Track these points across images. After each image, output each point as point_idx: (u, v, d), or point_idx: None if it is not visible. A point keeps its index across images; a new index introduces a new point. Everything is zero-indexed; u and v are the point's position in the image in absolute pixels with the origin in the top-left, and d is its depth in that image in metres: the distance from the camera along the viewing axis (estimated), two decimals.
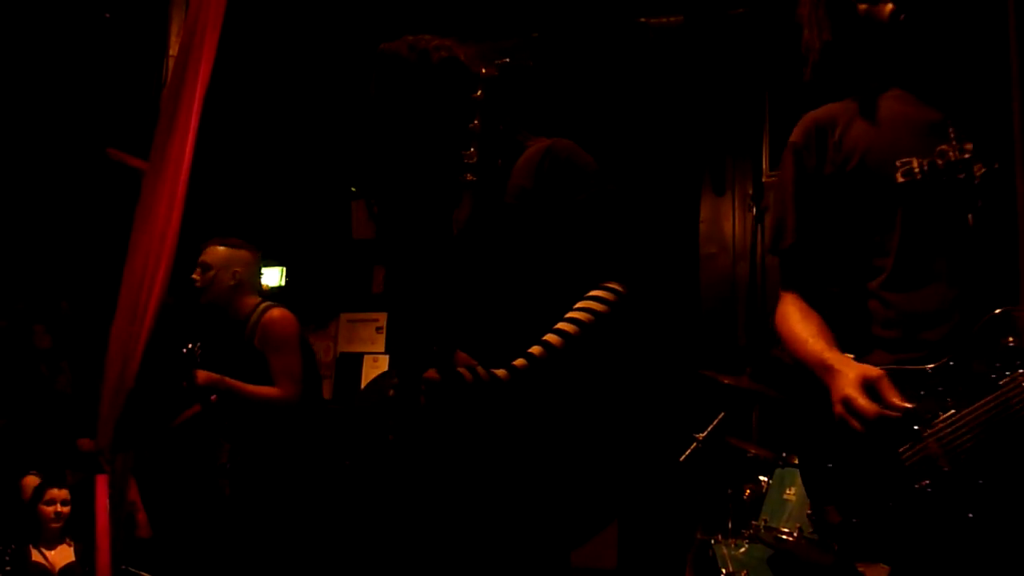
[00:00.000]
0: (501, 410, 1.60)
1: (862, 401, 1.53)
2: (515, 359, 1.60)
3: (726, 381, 4.12)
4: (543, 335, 1.62)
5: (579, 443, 1.66)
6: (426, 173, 1.75)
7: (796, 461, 3.51)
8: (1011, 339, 1.46)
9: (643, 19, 5.35)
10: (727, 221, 5.47)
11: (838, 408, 1.56)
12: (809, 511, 3.35)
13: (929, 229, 1.61)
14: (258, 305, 3.60)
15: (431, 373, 1.56)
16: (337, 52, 5.50)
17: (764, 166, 5.36)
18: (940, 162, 1.61)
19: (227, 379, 3.41)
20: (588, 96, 5.32)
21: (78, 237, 5.56)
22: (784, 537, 3.32)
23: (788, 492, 3.43)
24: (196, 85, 3.63)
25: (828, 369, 1.61)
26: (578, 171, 1.75)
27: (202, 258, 3.61)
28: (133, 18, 5.10)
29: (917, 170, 1.62)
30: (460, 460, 1.67)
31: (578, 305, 1.64)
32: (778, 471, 3.56)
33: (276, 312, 3.56)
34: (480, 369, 1.58)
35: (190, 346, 3.34)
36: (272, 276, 6.29)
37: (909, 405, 1.53)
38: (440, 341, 1.55)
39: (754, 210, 5.19)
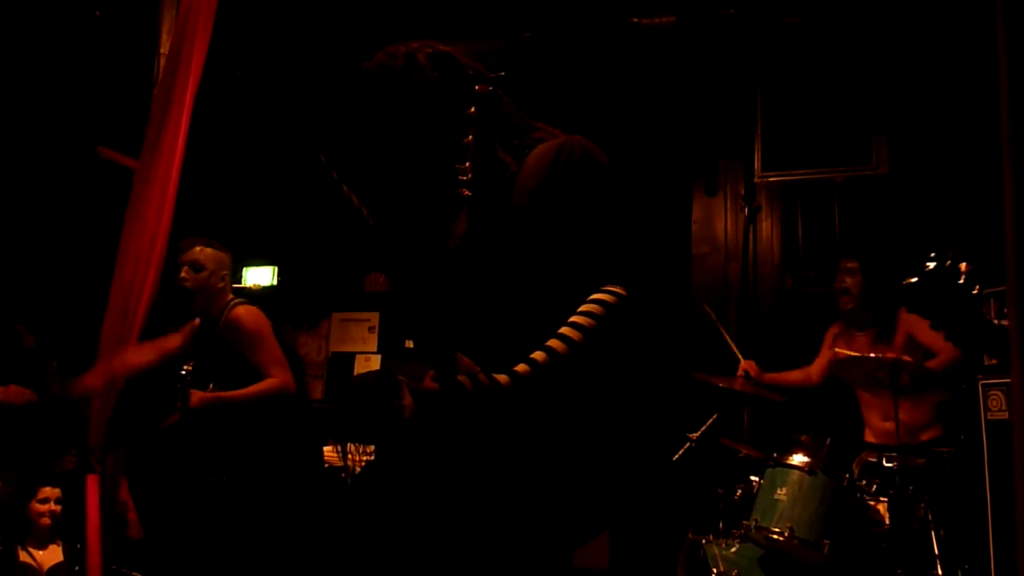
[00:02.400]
0: (503, 416, 1.57)
1: None
2: (518, 364, 1.58)
3: (721, 384, 4.13)
4: (546, 340, 1.59)
5: (581, 447, 1.64)
6: (425, 183, 1.70)
7: (789, 461, 3.52)
8: None
9: (635, 19, 5.36)
10: (719, 221, 5.48)
11: None
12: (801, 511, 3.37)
13: None
14: (227, 303, 3.63)
15: (429, 383, 1.53)
16: (328, 50, 5.49)
17: (756, 166, 5.38)
18: None
19: (220, 394, 3.43)
20: (580, 96, 5.32)
21: (68, 236, 5.53)
22: (775, 537, 3.33)
23: (779, 492, 3.43)
24: (187, 83, 3.61)
25: None
26: (593, 170, 1.71)
27: (191, 257, 3.61)
28: (124, 16, 5.08)
29: None
30: (462, 466, 1.65)
31: (581, 309, 1.61)
32: (769, 471, 3.56)
33: (241, 309, 3.59)
34: (482, 375, 1.54)
35: (187, 368, 3.35)
36: (263, 275, 6.28)
37: None
38: (440, 346, 1.51)
39: (746, 210, 5.20)
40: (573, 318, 1.60)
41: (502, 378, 1.56)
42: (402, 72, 1.73)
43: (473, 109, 1.54)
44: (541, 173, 1.70)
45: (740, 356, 4.39)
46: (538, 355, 1.58)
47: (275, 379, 3.45)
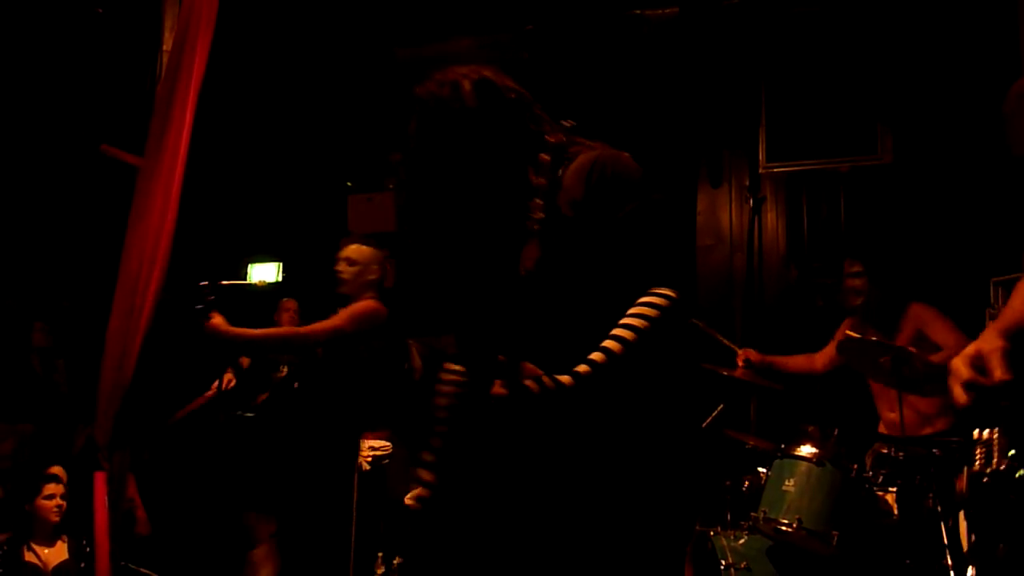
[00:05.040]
0: (570, 416, 1.63)
1: (960, 366, 1.56)
2: (576, 366, 1.63)
3: (724, 372, 4.12)
4: (600, 342, 1.64)
5: (640, 447, 1.69)
6: (489, 215, 1.79)
7: (796, 452, 3.51)
8: None
9: (638, 11, 5.34)
10: (724, 213, 5.47)
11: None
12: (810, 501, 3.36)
13: None
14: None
15: (498, 389, 1.59)
16: (332, 45, 5.48)
17: (760, 157, 5.36)
18: None
19: (239, 330, 3.58)
20: (584, 88, 5.31)
21: (73, 234, 5.54)
22: (783, 528, 3.33)
23: (787, 483, 3.43)
24: (191, 80, 3.61)
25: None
26: (624, 182, 1.77)
27: (346, 254, 3.97)
28: (126, 12, 5.07)
29: None
30: (533, 469, 1.70)
31: (632, 311, 1.65)
32: (777, 462, 3.56)
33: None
34: (546, 378, 1.60)
35: (204, 283, 3.50)
36: (268, 271, 6.27)
37: (1006, 377, 1.51)
38: (507, 352, 1.59)
39: (751, 201, 5.19)
40: (624, 320, 1.65)
41: (565, 379, 1.60)
42: (447, 102, 1.79)
43: (548, 157, 1.71)
44: (578, 185, 1.76)
45: (736, 348, 4.37)
46: (596, 356, 1.62)
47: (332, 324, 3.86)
